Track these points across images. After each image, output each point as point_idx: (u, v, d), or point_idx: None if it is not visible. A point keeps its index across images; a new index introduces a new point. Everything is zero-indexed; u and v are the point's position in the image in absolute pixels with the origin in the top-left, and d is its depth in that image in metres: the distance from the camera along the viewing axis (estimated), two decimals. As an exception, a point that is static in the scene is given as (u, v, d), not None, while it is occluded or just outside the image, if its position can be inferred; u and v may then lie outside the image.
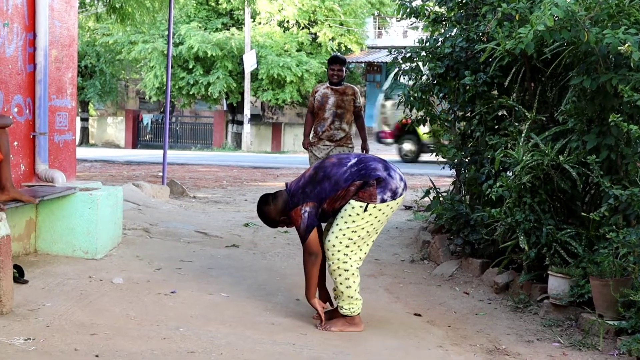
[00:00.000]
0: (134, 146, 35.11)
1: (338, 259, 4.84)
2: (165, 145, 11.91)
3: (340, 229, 4.83)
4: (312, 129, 8.62)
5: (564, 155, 5.68)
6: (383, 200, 4.81)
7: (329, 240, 4.87)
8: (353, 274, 4.86)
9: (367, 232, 4.84)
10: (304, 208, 4.84)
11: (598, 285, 5.08)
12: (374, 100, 35.71)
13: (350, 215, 4.81)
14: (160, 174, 12.19)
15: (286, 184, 5.16)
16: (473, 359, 4.57)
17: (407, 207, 11.27)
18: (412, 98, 7.91)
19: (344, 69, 8.42)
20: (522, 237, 5.85)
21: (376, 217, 4.83)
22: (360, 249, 4.88)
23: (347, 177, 4.81)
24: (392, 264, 7.20)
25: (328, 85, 8.50)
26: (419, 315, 5.53)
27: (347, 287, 4.86)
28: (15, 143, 6.33)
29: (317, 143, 8.50)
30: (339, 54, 8.05)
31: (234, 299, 5.57)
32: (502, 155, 6.17)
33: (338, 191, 4.82)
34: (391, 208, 4.88)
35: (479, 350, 4.77)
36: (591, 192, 6.08)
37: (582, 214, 5.53)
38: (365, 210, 4.77)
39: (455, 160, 7.75)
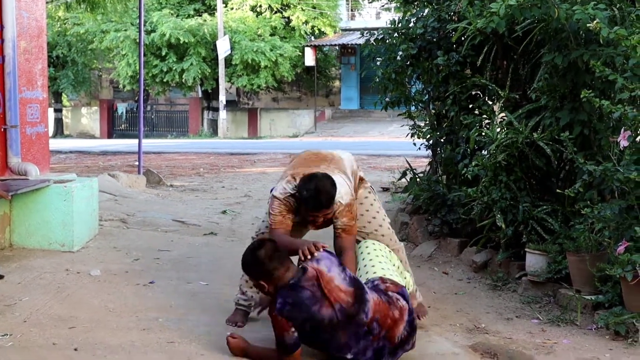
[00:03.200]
0: (110, 136, 34.91)
1: None
2: (140, 134, 11.84)
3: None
4: None
5: (538, 132, 5.70)
6: None
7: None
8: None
9: None
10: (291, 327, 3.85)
11: (575, 261, 5.11)
12: (349, 82, 35.76)
13: None
14: (137, 163, 12.12)
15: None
16: (453, 339, 4.58)
17: (385, 189, 11.28)
18: (386, 80, 7.90)
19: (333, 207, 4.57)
20: (498, 216, 5.87)
21: None
22: None
23: (336, 356, 3.94)
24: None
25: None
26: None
27: None
28: (-14, 137, 6.26)
29: None
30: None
31: (213, 287, 5.56)
32: (476, 134, 6.19)
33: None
34: None
35: (459, 330, 4.79)
36: (566, 169, 6.11)
37: (558, 190, 5.55)
38: None
39: (431, 141, 7.76)
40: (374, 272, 4.23)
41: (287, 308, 3.79)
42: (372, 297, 3.92)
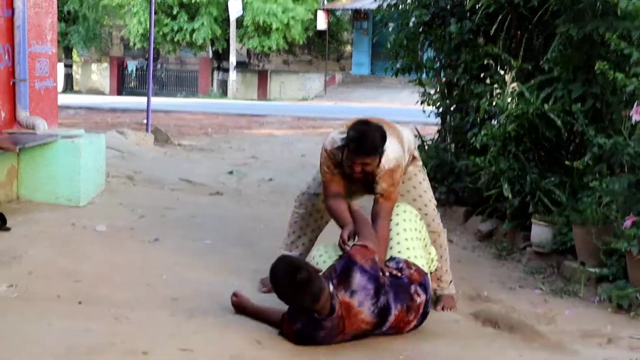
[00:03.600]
0: (119, 93, 34.84)
1: None
2: (149, 92, 11.82)
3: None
4: None
5: (549, 103, 5.65)
6: None
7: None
8: None
9: None
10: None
11: (580, 233, 5.11)
12: (360, 47, 35.53)
13: None
14: (145, 121, 12.11)
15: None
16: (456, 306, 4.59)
17: (393, 156, 11.25)
18: (397, 46, 7.85)
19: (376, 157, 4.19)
20: (506, 186, 5.85)
21: None
22: None
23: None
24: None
25: None
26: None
27: None
28: (-5, 89, 6.24)
29: None
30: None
31: (217, 247, 5.57)
32: (487, 103, 6.15)
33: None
34: None
35: (462, 298, 4.78)
36: (576, 141, 6.07)
37: (566, 162, 5.52)
38: None
39: (441, 109, 7.72)
40: (399, 252, 4.02)
41: (297, 333, 3.67)
42: (394, 312, 3.75)
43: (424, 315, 3.93)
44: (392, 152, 4.21)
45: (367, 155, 4.07)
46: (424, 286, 3.90)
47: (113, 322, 3.77)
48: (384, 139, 4.10)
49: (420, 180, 4.61)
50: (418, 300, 3.85)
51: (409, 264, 3.94)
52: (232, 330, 3.79)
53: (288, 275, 3.53)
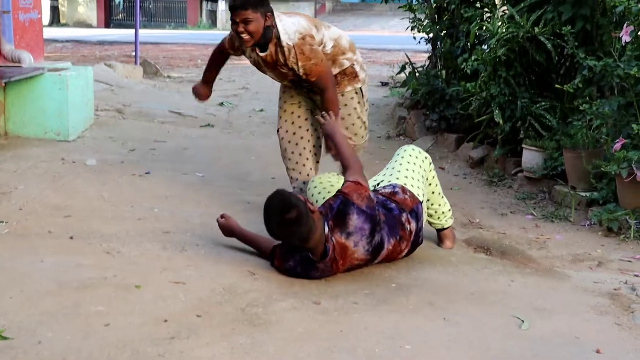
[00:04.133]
0: (107, 25, 34.32)
1: None
2: (137, 23, 11.66)
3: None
4: None
5: (539, 26, 5.59)
6: None
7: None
8: None
9: None
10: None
11: (571, 158, 5.11)
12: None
13: None
14: (134, 53, 11.96)
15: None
16: (446, 233, 4.61)
17: (384, 84, 11.19)
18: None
19: (257, 14, 4.12)
20: (496, 111, 5.83)
21: None
22: None
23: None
24: (368, 141, 7.16)
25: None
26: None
27: None
28: (-22, 23, 6.14)
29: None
30: None
31: (208, 179, 5.56)
32: (477, 27, 6.08)
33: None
34: None
35: (454, 224, 4.79)
36: (566, 65, 6.03)
37: (557, 86, 5.49)
38: None
39: (431, 35, 7.64)
40: (397, 178, 4.00)
41: (291, 272, 3.65)
42: (387, 246, 3.74)
43: (415, 243, 3.93)
44: (292, 26, 4.18)
45: (243, 9, 4.05)
46: (415, 214, 3.88)
47: (105, 257, 3.77)
48: None
49: (355, 106, 4.57)
50: (409, 227, 3.84)
51: (404, 190, 3.92)
52: (225, 263, 3.80)
53: (277, 214, 3.47)
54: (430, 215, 4.20)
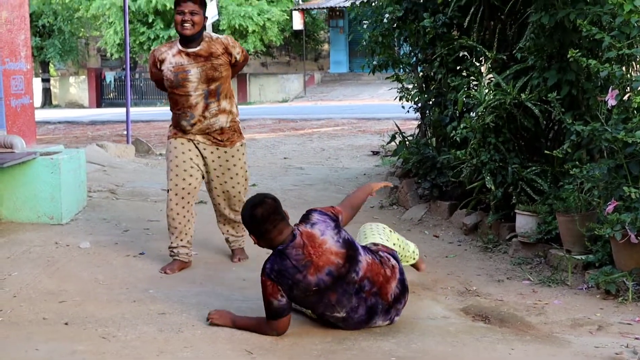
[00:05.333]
0: (98, 105, 34.65)
1: None
2: (128, 103, 11.77)
3: None
4: (172, 119, 5.31)
5: (526, 93, 5.66)
6: None
7: None
8: None
9: None
10: (280, 292, 3.84)
11: (564, 221, 5.11)
12: (338, 45, 35.53)
13: None
14: (125, 132, 12.05)
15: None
16: (445, 302, 4.59)
17: (375, 153, 11.27)
18: (373, 43, 7.84)
19: (202, 10, 5.08)
20: (488, 177, 5.85)
21: None
22: None
23: (328, 318, 3.96)
24: (362, 211, 7.05)
25: (179, 47, 5.11)
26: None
27: None
28: (-30, 111, 6.19)
29: (182, 136, 5.24)
30: None
31: (203, 257, 5.55)
32: (464, 96, 6.15)
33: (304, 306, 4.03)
34: None
35: (451, 293, 4.80)
36: (554, 129, 6.09)
37: (546, 151, 5.53)
38: None
39: (419, 104, 7.72)
40: (366, 239, 4.33)
41: (274, 275, 3.81)
42: (365, 258, 3.93)
43: (404, 285, 4.05)
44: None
45: (192, 1, 4.96)
46: (392, 255, 4.13)
47: (101, 342, 3.74)
48: None
49: (240, 157, 5.34)
50: (390, 261, 4.05)
51: (375, 244, 4.26)
52: (222, 342, 3.77)
53: (249, 210, 3.89)
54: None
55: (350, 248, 3.91)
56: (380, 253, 4.09)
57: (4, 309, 4.24)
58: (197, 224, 6.49)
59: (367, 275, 3.90)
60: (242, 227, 5.26)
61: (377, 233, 4.42)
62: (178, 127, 5.21)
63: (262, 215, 3.85)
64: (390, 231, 4.53)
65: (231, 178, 5.30)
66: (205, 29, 5.17)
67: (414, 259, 4.74)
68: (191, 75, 5.02)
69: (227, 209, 5.41)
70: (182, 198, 5.21)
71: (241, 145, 5.31)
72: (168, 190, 5.24)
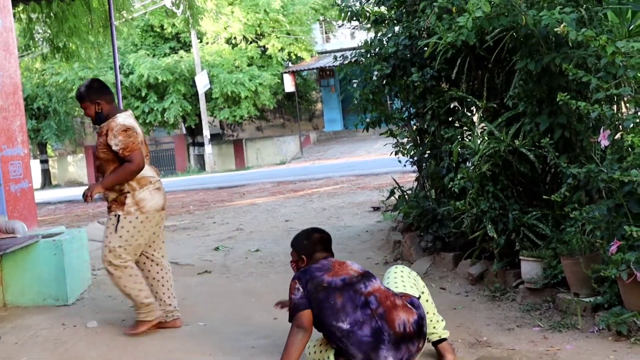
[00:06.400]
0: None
1: None
2: (126, 178, 11.77)
3: None
4: None
5: (519, 139, 5.71)
6: None
7: None
8: None
9: None
10: (300, 287, 4.19)
11: (569, 264, 5.10)
12: (330, 104, 35.88)
13: None
14: (125, 207, 12.07)
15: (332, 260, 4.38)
16: (457, 356, 4.54)
17: (375, 209, 11.28)
18: (364, 101, 7.92)
19: (88, 103, 5.47)
20: (489, 226, 5.86)
21: None
22: None
23: (328, 331, 4.13)
24: (367, 268, 7.12)
25: None
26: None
27: None
28: (-30, 199, 6.22)
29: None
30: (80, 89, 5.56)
31: (211, 327, 5.52)
32: (459, 146, 6.19)
33: (322, 330, 4.18)
34: None
35: (462, 346, 4.75)
36: (551, 172, 6.11)
37: (544, 196, 5.54)
38: None
39: (415, 157, 7.77)
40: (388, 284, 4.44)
41: (299, 275, 4.24)
42: (379, 283, 4.22)
43: (422, 331, 4.10)
44: (123, 120, 5.36)
45: (80, 101, 5.47)
46: (411, 302, 4.19)
47: (113, 423, 3.71)
48: (89, 89, 5.44)
49: (109, 225, 5.49)
50: (405, 301, 4.16)
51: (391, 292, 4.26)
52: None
53: (314, 234, 4.52)
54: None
55: (366, 274, 4.24)
56: (397, 292, 4.24)
57: (14, 397, 4.22)
58: (204, 294, 6.49)
59: (375, 293, 4.11)
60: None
61: (400, 281, 4.46)
62: None
63: (321, 239, 4.49)
64: (417, 276, 4.58)
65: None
66: (110, 111, 5.50)
67: (439, 335, 4.41)
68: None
69: None
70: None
71: (115, 215, 5.41)
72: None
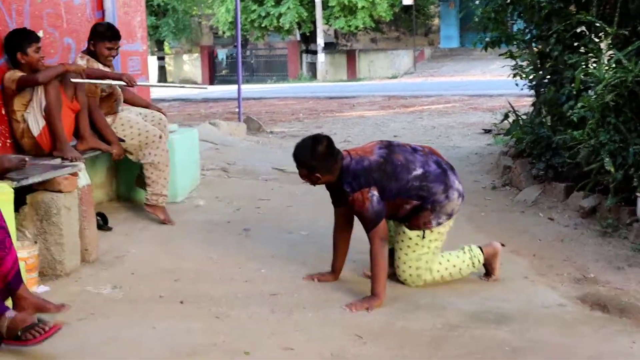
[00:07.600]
0: (211, 82, 35.33)
1: (413, 281, 4.48)
2: (239, 80, 11.87)
3: (404, 262, 4.44)
4: None
5: (649, 70, 5.40)
6: (438, 224, 4.39)
7: (397, 267, 4.50)
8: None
9: (433, 252, 4.44)
10: (371, 191, 4.19)
11: (690, 206, 4.87)
12: (448, 20, 35.06)
13: (409, 246, 4.42)
14: (237, 110, 12.22)
15: (346, 151, 4.41)
16: (560, 289, 4.44)
17: (487, 131, 11.06)
18: (486, 19, 7.67)
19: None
20: (607, 159, 5.62)
21: (435, 239, 4.42)
22: (431, 266, 4.46)
23: (408, 189, 4.28)
24: (473, 192, 7.00)
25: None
26: (503, 244, 5.31)
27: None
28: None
29: None
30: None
31: (313, 237, 5.57)
32: (582, 74, 5.92)
33: (396, 199, 4.28)
34: (448, 226, 4.46)
35: (567, 280, 4.63)
36: (680, 108, 5.80)
37: (671, 132, 5.28)
38: (423, 237, 4.39)
39: (534, 81, 7.51)
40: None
41: (351, 178, 4.20)
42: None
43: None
44: None
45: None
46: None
47: (214, 321, 3.81)
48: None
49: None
50: None
51: None
52: (332, 325, 3.78)
53: (311, 148, 4.30)
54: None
55: None
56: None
57: (123, 286, 4.39)
58: (308, 204, 6.54)
59: (410, 145, 4.49)
60: None
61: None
62: None
63: (324, 151, 4.29)
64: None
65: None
66: None
67: (474, 265, 4.56)
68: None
69: None
70: None
71: None
72: None
